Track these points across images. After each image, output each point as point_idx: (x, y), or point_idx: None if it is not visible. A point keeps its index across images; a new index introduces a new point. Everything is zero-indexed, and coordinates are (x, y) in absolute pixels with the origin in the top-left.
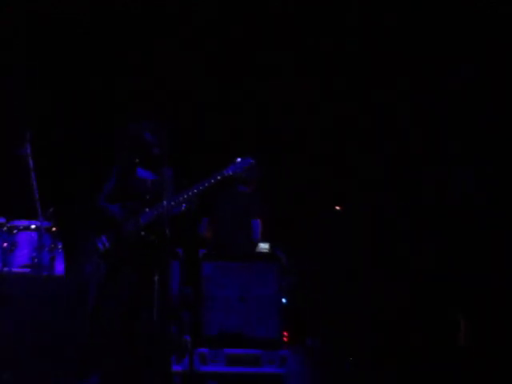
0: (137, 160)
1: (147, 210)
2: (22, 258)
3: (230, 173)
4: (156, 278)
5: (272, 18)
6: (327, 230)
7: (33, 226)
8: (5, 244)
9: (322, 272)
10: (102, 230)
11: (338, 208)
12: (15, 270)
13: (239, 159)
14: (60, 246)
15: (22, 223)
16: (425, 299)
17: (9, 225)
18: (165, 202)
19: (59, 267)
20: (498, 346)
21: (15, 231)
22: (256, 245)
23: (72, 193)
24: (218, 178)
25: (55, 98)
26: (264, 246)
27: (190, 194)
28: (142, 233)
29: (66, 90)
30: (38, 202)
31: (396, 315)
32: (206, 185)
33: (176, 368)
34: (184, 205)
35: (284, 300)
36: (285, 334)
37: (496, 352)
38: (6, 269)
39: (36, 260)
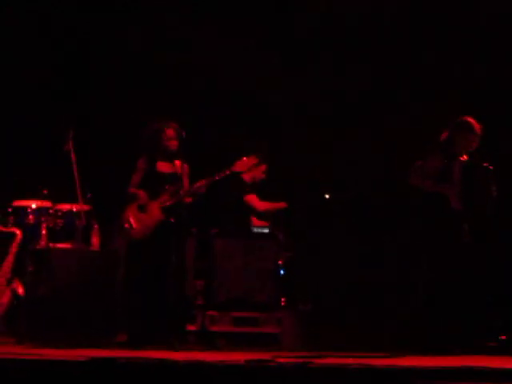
0: (157, 155)
1: (166, 197)
2: (64, 235)
3: (237, 170)
4: (174, 252)
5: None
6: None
7: (74, 209)
8: (51, 223)
9: (314, 248)
10: (130, 212)
11: (327, 196)
12: (59, 245)
13: (245, 158)
14: (96, 226)
15: (65, 206)
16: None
17: (55, 208)
18: (181, 191)
19: (95, 243)
20: None
21: (59, 213)
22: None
23: (108, 181)
24: (227, 173)
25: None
26: (265, 226)
27: (200, 186)
28: (163, 215)
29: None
30: (79, 189)
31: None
32: (216, 178)
33: (190, 328)
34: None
35: (282, 271)
36: (281, 299)
37: None
38: (51, 244)
39: (76, 237)
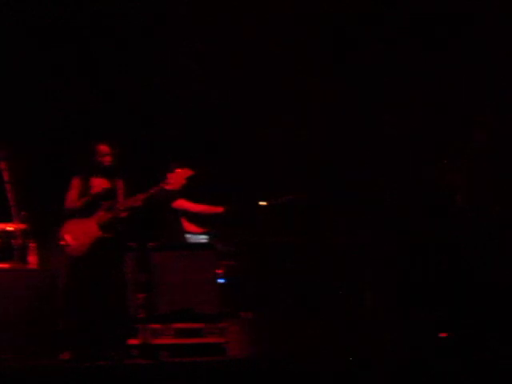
0: (93, 171)
1: (102, 213)
2: (1, 255)
3: (172, 182)
4: (113, 267)
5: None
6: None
7: (9, 228)
8: None
9: (254, 254)
10: (66, 229)
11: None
12: None
13: (179, 170)
14: (32, 244)
15: (0, 226)
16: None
17: None
18: (117, 207)
19: (33, 261)
20: None
21: None
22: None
23: (43, 199)
24: (162, 186)
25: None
26: (203, 236)
27: (136, 201)
28: (100, 231)
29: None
30: (13, 208)
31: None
32: (152, 192)
33: (132, 342)
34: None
35: (222, 280)
36: (223, 309)
37: None
38: None
39: (13, 256)
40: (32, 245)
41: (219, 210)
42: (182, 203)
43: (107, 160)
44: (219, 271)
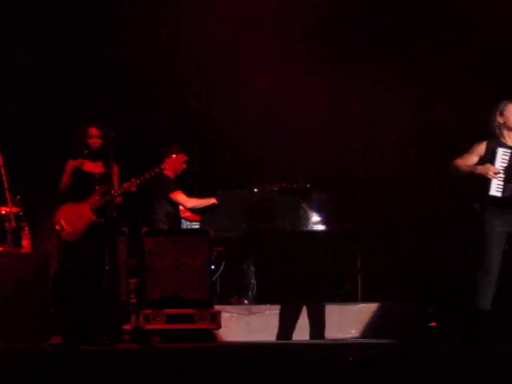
0: (85, 153)
1: (97, 197)
2: None
3: (167, 167)
4: (106, 252)
5: None
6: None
7: (3, 211)
8: None
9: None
10: (61, 213)
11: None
12: None
13: (174, 155)
14: (26, 228)
15: None
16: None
17: None
18: (111, 191)
19: (26, 245)
20: None
21: None
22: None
23: (36, 182)
24: (157, 171)
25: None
26: (195, 222)
27: (131, 185)
28: (94, 215)
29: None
30: (7, 191)
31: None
32: (147, 177)
33: (124, 327)
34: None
35: (212, 266)
36: (215, 295)
37: None
38: None
39: (6, 239)
40: (25, 228)
41: (213, 200)
42: (177, 197)
43: (96, 142)
44: (211, 257)
